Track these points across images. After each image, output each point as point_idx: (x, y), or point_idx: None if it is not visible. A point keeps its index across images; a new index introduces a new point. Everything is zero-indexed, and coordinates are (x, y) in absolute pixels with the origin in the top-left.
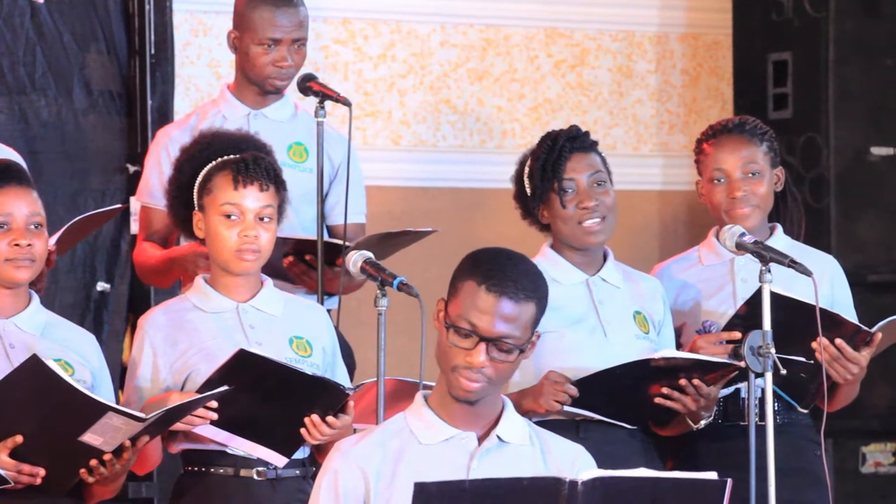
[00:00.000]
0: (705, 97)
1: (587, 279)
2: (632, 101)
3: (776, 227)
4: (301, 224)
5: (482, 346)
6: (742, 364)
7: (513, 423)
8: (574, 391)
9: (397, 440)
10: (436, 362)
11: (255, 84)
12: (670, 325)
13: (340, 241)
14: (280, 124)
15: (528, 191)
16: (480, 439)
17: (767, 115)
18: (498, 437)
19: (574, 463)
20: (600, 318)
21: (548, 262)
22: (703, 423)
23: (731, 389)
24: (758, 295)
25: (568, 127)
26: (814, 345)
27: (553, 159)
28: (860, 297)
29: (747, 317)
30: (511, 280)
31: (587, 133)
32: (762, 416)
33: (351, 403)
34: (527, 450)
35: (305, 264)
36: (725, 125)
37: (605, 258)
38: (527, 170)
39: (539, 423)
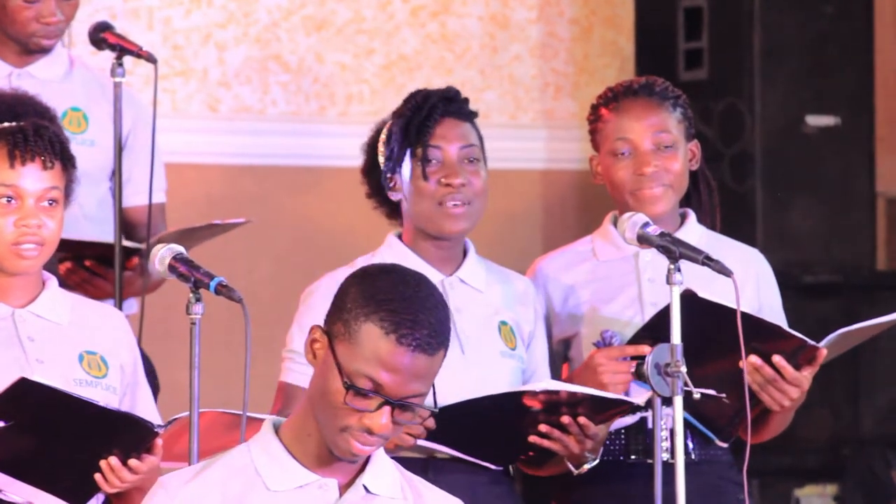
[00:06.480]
0: (600, 54)
1: (442, 280)
2: (508, 57)
3: (688, 214)
4: (82, 212)
5: (387, 409)
6: (640, 402)
7: (383, 471)
8: (431, 423)
9: (239, 481)
10: (274, 388)
11: (15, 41)
12: (542, 339)
13: (131, 244)
14: (51, 85)
15: (382, 157)
16: (342, 489)
17: (678, 77)
18: (365, 487)
19: None
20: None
21: (395, 256)
22: (586, 466)
23: (635, 418)
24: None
25: (444, 87)
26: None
27: (420, 119)
28: (792, 303)
29: (660, 327)
30: (426, 327)
31: (466, 100)
32: (674, 451)
33: (159, 442)
34: None
35: (87, 271)
36: (629, 86)
37: (464, 254)
38: (383, 134)
39: None
